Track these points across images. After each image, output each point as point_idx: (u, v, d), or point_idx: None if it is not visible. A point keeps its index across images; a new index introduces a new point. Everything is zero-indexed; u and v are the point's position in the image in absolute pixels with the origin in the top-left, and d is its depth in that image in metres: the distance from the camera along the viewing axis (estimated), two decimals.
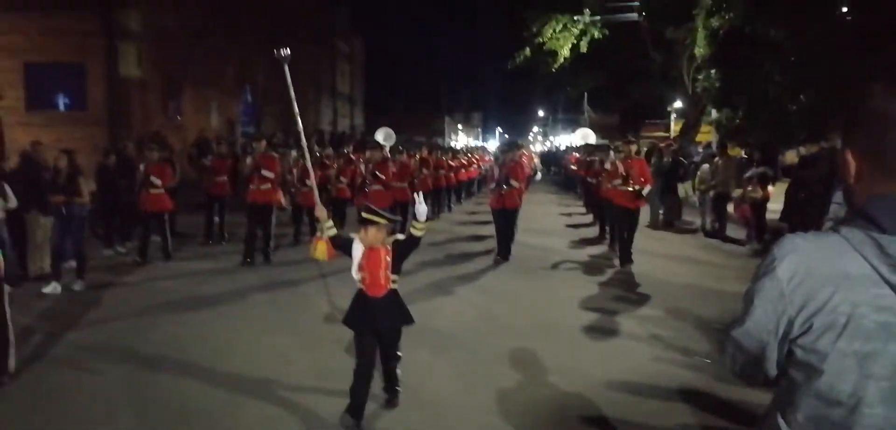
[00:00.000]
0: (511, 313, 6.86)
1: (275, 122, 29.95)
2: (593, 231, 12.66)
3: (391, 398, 4.45)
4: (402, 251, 4.15)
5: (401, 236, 4.14)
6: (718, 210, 11.76)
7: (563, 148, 41.86)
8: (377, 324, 4.14)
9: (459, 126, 78.89)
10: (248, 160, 9.82)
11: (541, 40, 19.24)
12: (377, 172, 9.86)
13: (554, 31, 18.75)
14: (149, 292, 7.65)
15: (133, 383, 4.85)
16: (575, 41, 18.88)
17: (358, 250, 4.11)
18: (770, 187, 10.48)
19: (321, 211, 4.56)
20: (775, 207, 10.04)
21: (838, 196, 7.03)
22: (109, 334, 5.98)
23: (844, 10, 12.16)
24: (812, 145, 9.46)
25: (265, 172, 9.41)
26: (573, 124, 54.29)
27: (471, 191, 22.17)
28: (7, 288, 4.76)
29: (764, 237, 10.31)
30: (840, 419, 1.35)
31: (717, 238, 11.44)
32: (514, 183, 9.56)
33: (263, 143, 9.97)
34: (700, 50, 14.95)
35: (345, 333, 4.70)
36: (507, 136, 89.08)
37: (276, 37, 26.86)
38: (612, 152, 11.21)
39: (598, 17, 18.36)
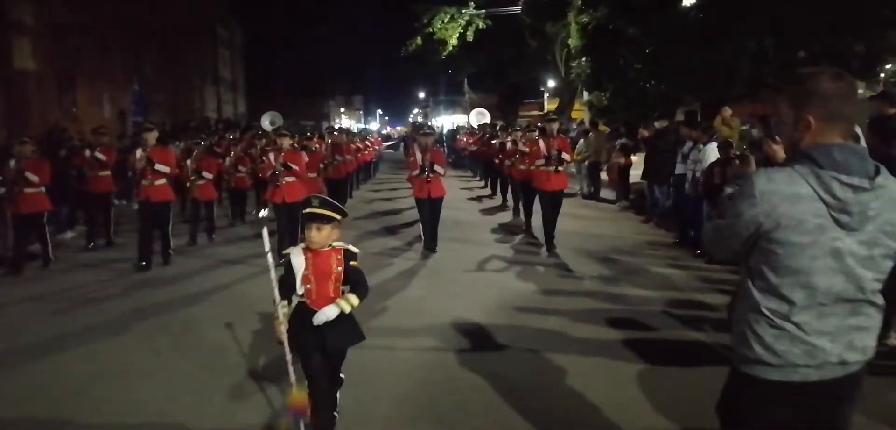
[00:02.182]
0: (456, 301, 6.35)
1: (163, 111, 29.75)
2: (496, 201, 13.85)
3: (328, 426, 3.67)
4: (349, 270, 3.52)
5: (354, 249, 3.57)
6: (592, 176, 14.11)
7: (446, 129, 43.72)
8: (326, 343, 3.47)
9: (342, 109, 79.31)
10: (139, 153, 8.46)
11: (431, 30, 21.06)
12: (289, 163, 8.49)
13: (443, 21, 20.63)
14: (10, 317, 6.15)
15: None
16: (462, 31, 20.86)
17: (299, 260, 3.49)
18: (632, 157, 12.92)
19: (280, 334, 3.53)
20: (636, 172, 12.44)
21: (680, 157, 9.37)
22: None
23: (692, 2, 14.96)
24: (663, 121, 11.94)
25: (159, 167, 8.26)
26: (454, 106, 56.66)
27: (369, 174, 22.01)
28: None
29: (629, 196, 12.79)
30: (799, 280, 2.07)
31: (593, 199, 13.80)
32: (438, 169, 8.79)
33: (155, 133, 8.59)
34: (573, 41, 17.54)
35: (245, 357, 4.71)
36: (387, 118, 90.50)
37: (161, 26, 26.98)
38: (520, 131, 11.57)
39: (483, 11, 20.48)
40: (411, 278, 7.51)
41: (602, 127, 14.90)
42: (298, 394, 3.55)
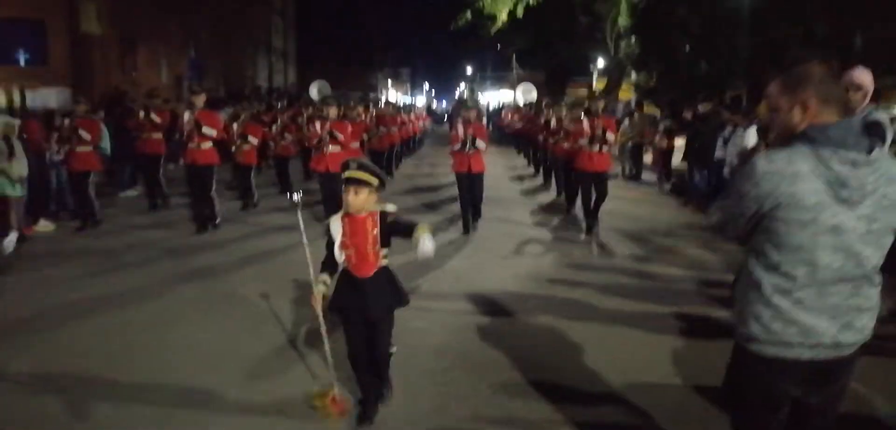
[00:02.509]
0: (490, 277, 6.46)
1: (217, 76, 30.65)
2: (538, 181, 13.73)
3: (381, 392, 3.79)
4: (391, 230, 3.49)
5: (391, 208, 3.53)
6: (635, 157, 14.14)
7: (492, 106, 43.58)
8: (368, 308, 3.48)
9: (389, 81, 79.84)
10: (187, 116, 8.57)
11: (480, 5, 21.12)
12: (335, 132, 8.51)
13: None
14: (52, 277, 6.32)
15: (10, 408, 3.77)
16: (511, 7, 20.86)
17: (336, 226, 3.51)
18: (676, 140, 12.89)
19: (317, 302, 3.59)
20: (679, 155, 12.42)
21: (721, 141, 9.37)
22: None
23: None
24: (707, 104, 11.88)
25: (206, 130, 8.38)
26: (501, 82, 56.55)
27: (412, 148, 22.03)
28: None
29: (671, 179, 12.79)
30: (800, 257, 2.16)
31: (635, 180, 13.84)
32: (480, 144, 8.66)
33: (202, 96, 8.71)
34: (623, 20, 17.43)
35: (283, 328, 4.82)
36: (434, 92, 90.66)
37: None
38: (566, 109, 11.12)
39: None
40: (449, 251, 7.67)
41: (647, 108, 14.86)
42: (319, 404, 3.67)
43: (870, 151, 2.13)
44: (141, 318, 5.19)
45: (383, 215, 3.48)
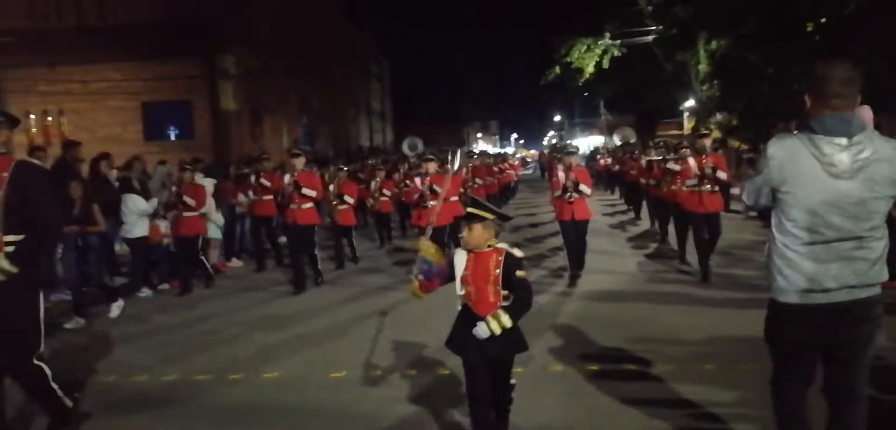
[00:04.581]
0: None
1: (326, 140, 33.60)
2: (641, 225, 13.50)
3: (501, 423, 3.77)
4: (513, 279, 3.47)
5: (518, 253, 3.55)
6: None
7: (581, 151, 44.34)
8: (485, 350, 3.44)
9: (479, 135, 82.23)
10: (287, 178, 8.78)
11: (568, 60, 22.70)
12: (435, 186, 8.47)
13: (580, 52, 22.20)
14: (167, 338, 6.63)
15: None
16: (598, 59, 22.29)
17: (460, 260, 3.55)
18: None
19: (424, 243, 3.82)
20: None
21: None
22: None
23: (810, 30, 15.64)
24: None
25: (306, 191, 8.49)
26: (589, 127, 57.44)
27: (507, 196, 22.04)
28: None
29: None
30: (804, 219, 2.66)
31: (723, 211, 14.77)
32: (584, 189, 8.13)
33: (302, 159, 8.88)
34: (702, 67, 18.56)
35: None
36: (522, 142, 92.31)
37: (325, 66, 30.60)
38: (679, 150, 9.87)
39: (618, 41, 21.85)
40: (553, 300, 7.49)
41: (732, 143, 15.83)
42: (427, 247, 3.76)
43: (851, 135, 2.63)
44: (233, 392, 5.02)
45: (510, 258, 3.47)
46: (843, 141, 2.61)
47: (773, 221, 2.85)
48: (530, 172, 40.94)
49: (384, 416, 4.43)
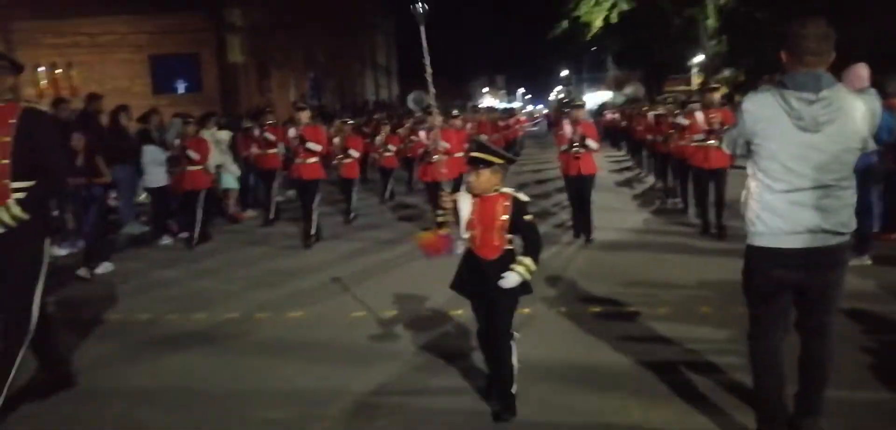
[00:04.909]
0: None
1: (333, 95, 33.64)
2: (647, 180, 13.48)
3: (501, 412, 3.54)
4: (519, 226, 3.48)
5: (525, 197, 3.52)
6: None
7: (589, 105, 44.26)
8: (489, 290, 3.46)
9: (485, 89, 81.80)
10: (292, 132, 8.73)
11: (577, 14, 22.60)
12: (442, 140, 8.02)
13: (588, 6, 22.10)
14: (162, 296, 6.51)
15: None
16: (606, 13, 22.20)
17: (466, 203, 3.51)
18: None
19: (447, 198, 3.64)
20: None
21: None
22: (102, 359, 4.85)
23: None
24: None
25: (311, 145, 8.46)
26: (597, 82, 57.15)
27: (514, 150, 22.04)
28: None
29: None
30: (775, 169, 2.81)
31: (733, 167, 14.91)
32: (591, 143, 8.01)
33: (307, 112, 8.87)
34: (710, 23, 18.50)
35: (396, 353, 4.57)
36: (529, 96, 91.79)
37: (331, 21, 30.39)
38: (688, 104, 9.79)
39: None
40: (557, 251, 7.67)
41: (738, 99, 15.87)
42: (425, 235, 3.69)
43: (818, 91, 2.74)
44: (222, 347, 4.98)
45: (518, 203, 3.48)
46: (811, 96, 2.74)
47: (750, 170, 3.01)
48: (537, 128, 40.86)
49: (400, 359, 4.62)
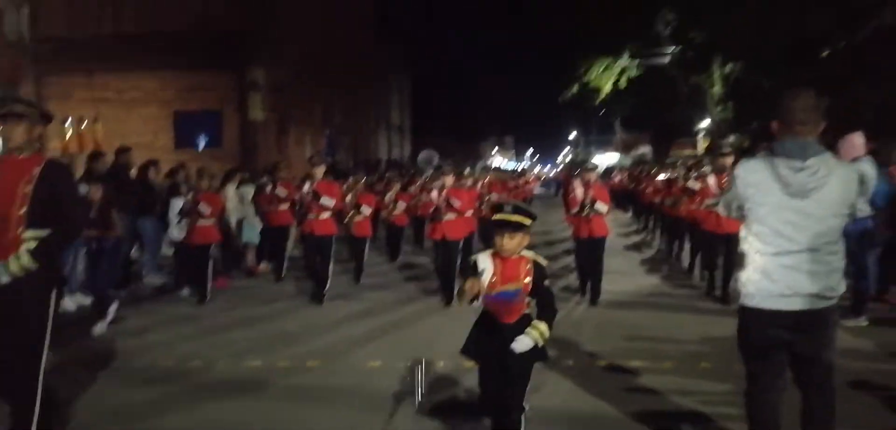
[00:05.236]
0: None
1: (347, 152, 34.37)
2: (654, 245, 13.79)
3: None
4: (538, 291, 3.51)
5: (544, 261, 3.59)
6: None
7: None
8: (505, 355, 3.40)
9: (495, 149, 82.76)
10: (306, 187, 8.70)
11: (586, 79, 23.31)
12: (452, 199, 8.39)
13: (598, 71, 22.81)
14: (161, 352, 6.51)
15: None
16: (616, 78, 22.89)
17: (487, 264, 3.47)
18: None
19: (472, 285, 3.50)
20: None
21: None
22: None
23: (824, 56, 16.14)
24: None
25: (325, 200, 8.40)
26: (605, 145, 57.88)
27: None
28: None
29: None
30: (765, 233, 2.98)
31: None
32: (601, 206, 8.06)
33: (322, 168, 8.79)
34: (716, 90, 19.11)
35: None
36: (538, 156, 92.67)
37: (348, 79, 31.50)
38: (702, 168, 10.22)
39: (636, 61, 22.46)
40: (566, 309, 7.72)
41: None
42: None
43: (805, 158, 2.92)
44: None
45: (538, 267, 3.51)
46: (798, 164, 2.91)
47: (743, 233, 3.18)
48: (544, 190, 41.29)
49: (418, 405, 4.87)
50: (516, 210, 3.47)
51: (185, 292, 9.22)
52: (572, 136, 69.56)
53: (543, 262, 3.58)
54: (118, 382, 5.68)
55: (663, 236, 12.92)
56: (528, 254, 3.54)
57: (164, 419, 4.83)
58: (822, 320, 3.01)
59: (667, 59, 22.55)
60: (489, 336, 3.51)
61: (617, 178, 24.24)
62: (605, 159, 48.17)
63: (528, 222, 3.44)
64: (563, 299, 8.43)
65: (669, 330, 6.85)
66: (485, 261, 3.51)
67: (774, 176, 2.95)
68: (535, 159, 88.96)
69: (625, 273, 10.55)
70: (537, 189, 34.44)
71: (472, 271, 3.53)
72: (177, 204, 9.32)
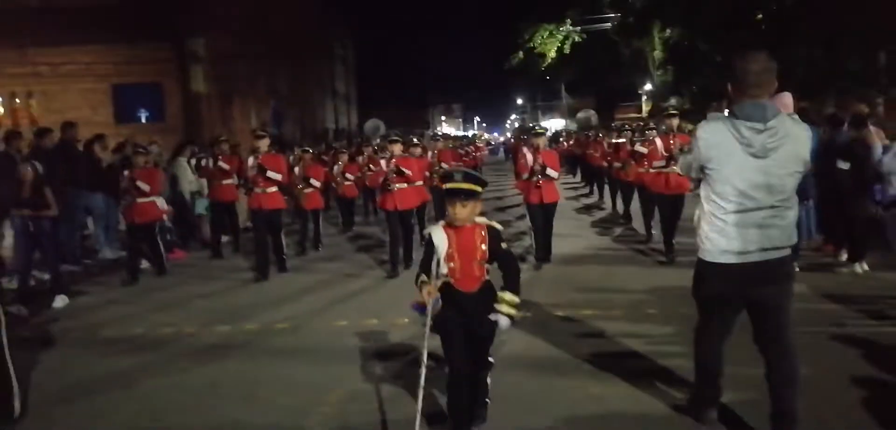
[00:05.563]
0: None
1: (294, 124, 33.96)
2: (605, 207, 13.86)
3: (479, 413, 3.69)
4: (497, 254, 3.49)
5: (498, 226, 3.53)
6: None
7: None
8: (471, 323, 3.42)
9: (442, 117, 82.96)
10: (251, 160, 8.45)
11: (531, 45, 23.67)
12: (402, 168, 8.26)
13: (542, 37, 23.18)
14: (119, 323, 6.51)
15: None
16: (559, 44, 23.32)
17: (440, 236, 3.44)
18: None
19: (428, 291, 3.41)
20: None
21: None
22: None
23: (758, 19, 16.89)
24: None
25: (271, 174, 8.17)
26: (551, 110, 58.72)
27: None
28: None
29: None
30: (727, 192, 3.03)
31: None
32: (552, 172, 8.07)
33: (267, 140, 8.50)
34: (657, 54, 19.75)
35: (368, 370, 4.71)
36: (485, 124, 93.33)
37: (293, 50, 31.09)
38: (647, 132, 10.48)
39: (578, 27, 22.94)
40: (526, 270, 7.42)
41: (682, 125, 16.94)
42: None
43: (766, 121, 2.99)
44: (196, 374, 5.03)
45: (494, 232, 3.49)
46: (759, 126, 2.99)
47: (703, 192, 3.26)
48: (494, 156, 41.85)
49: (388, 358, 5.11)
50: (466, 178, 3.44)
51: (143, 265, 9.19)
52: (519, 102, 70.26)
53: (498, 226, 3.55)
54: (91, 352, 5.74)
55: (613, 198, 13.18)
56: (482, 221, 3.51)
57: (139, 385, 4.88)
58: (780, 270, 3.15)
59: (609, 25, 23.08)
60: (453, 309, 3.45)
61: (564, 143, 24.80)
62: (553, 124, 49.00)
63: (479, 189, 3.42)
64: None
65: (618, 283, 7.21)
66: (439, 234, 3.48)
67: (737, 137, 3.03)
68: (482, 127, 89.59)
69: (577, 235, 10.91)
70: (487, 155, 34.85)
71: (427, 249, 3.51)
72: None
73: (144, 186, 8.44)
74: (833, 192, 7.32)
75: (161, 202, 9.32)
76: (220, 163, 9.97)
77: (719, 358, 3.49)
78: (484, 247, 3.44)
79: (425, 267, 3.50)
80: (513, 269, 3.53)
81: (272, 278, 8.37)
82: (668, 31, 18.88)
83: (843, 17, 14.44)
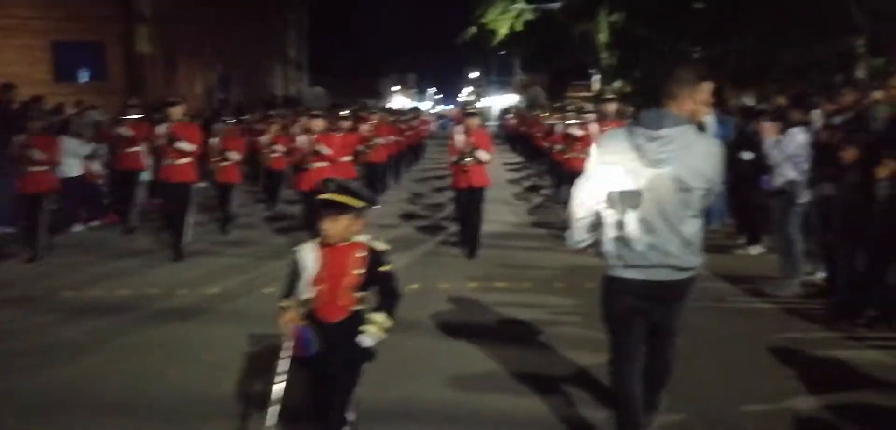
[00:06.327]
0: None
1: (241, 88, 33.49)
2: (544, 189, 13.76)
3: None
4: (375, 278, 3.00)
5: (383, 246, 3.05)
6: None
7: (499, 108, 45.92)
8: (333, 354, 2.93)
9: (397, 87, 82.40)
10: (161, 129, 7.83)
11: (483, 21, 23.89)
12: (320, 146, 7.63)
13: (494, 14, 23.42)
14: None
15: None
16: (512, 21, 23.60)
17: (310, 256, 2.96)
18: None
19: (287, 319, 2.93)
20: None
21: None
22: None
23: (698, 8, 17.58)
24: None
25: (182, 145, 7.49)
26: (506, 85, 59.16)
27: (416, 156, 21.13)
28: None
29: None
30: (628, 203, 2.84)
31: None
32: (482, 154, 7.45)
33: (180, 107, 7.81)
34: (603, 37, 20.34)
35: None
36: (440, 96, 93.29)
37: (241, 12, 30.52)
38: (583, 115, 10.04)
39: (531, 5, 23.26)
40: (444, 251, 8.20)
41: (621, 109, 17.58)
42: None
43: (658, 128, 2.82)
44: (75, 374, 4.54)
45: (374, 253, 3.01)
46: (652, 133, 2.82)
47: (605, 203, 3.03)
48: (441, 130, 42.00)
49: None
50: (341, 189, 2.91)
51: (78, 227, 9.18)
52: (474, 75, 70.41)
53: (382, 246, 3.05)
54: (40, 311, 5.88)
55: (552, 179, 13.16)
56: (363, 239, 3.01)
57: (93, 353, 4.90)
58: (678, 292, 3.00)
59: (557, 5, 23.47)
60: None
61: (511, 120, 25.18)
62: (504, 100, 49.39)
63: (356, 203, 2.91)
64: (441, 254, 8.17)
65: (532, 259, 7.73)
66: (307, 254, 2.98)
67: (632, 145, 2.89)
68: (437, 99, 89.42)
69: (508, 213, 11.24)
70: (434, 127, 34.94)
71: (291, 270, 3.02)
72: (69, 142, 9.13)
73: (39, 155, 7.47)
74: (740, 179, 7.90)
75: (96, 166, 9.36)
76: (123, 129, 9.34)
77: (638, 387, 3.20)
78: (358, 271, 2.95)
79: (288, 291, 3.01)
80: (391, 291, 3.07)
81: (168, 265, 7.46)
82: (614, 15, 19.43)
83: (780, 11, 15.13)
